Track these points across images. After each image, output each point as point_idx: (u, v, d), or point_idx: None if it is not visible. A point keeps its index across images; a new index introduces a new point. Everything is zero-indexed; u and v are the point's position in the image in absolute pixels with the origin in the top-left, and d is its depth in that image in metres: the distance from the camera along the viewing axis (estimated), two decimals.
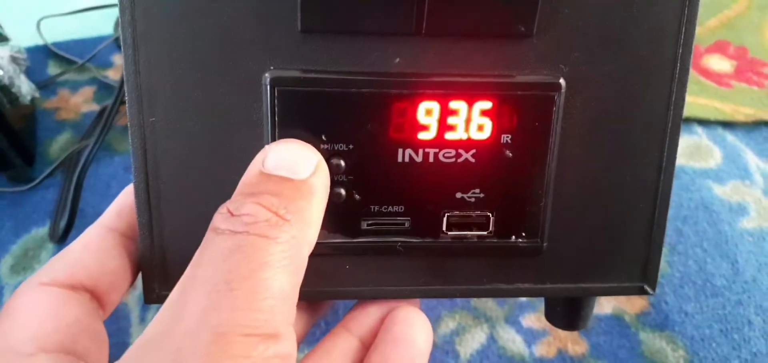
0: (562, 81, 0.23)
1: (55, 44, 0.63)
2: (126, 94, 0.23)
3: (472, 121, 0.23)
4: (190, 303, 0.18)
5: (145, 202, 0.24)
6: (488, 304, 0.46)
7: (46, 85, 0.60)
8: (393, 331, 0.25)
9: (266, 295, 0.18)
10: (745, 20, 0.68)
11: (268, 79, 0.22)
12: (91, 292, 0.23)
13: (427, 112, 0.23)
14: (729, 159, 0.55)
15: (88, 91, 0.60)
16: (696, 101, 0.59)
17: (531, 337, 0.44)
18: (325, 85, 0.23)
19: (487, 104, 0.23)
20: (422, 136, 0.23)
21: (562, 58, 0.23)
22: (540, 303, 0.43)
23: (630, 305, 0.46)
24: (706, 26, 0.67)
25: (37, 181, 0.51)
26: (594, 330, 0.44)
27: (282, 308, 0.19)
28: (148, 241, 0.24)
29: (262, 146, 0.23)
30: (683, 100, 0.25)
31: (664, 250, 0.49)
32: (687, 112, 0.57)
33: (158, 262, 0.24)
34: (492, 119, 0.23)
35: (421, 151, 0.24)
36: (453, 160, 0.24)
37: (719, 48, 0.65)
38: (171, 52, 0.22)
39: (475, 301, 0.46)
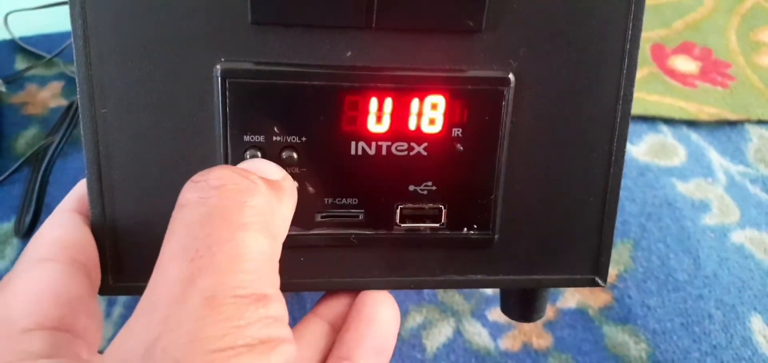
0: (511, 76, 0.24)
1: (23, 39, 0.62)
2: (77, 86, 0.23)
3: (424, 115, 0.24)
4: (173, 272, 0.18)
5: (98, 193, 0.24)
6: (455, 299, 0.46)
7: (13, 80, 0.59)
8: (364, 312, 0.26)
9: (249, 257, 0.18)
10: (710, 22, 0.69)
11: (219, 72, 0.23)
12: (86, 268, 0.22)
13: (379, 106, 0.24)
14: (693, 157, 0.56)
15: (56, 86, 0.59)
16: (662, 101, 0.60)
17: (496, 330, 0.44)
18: (276, 78, 0.23)
19: (437, 98, 0.24)
20: (374, 129, 0.24)
21: (511, 53, 0.24)
22: None
23: (594, 299, 0.46)
24: (672, 28, 0.69)
25: (3, 176, 0.50)
26: (558, 324, 0.45)
27: (266, 269, 0.19)
28: (101, 233, 0.24)
29: (215, 139, 0.23)
30: (632, 94, 0.25)
31: (628, 246, 0.50)
32: (653, 111, 0.59)
33: (112, 254, 0.24)
34: (443, 113, 0.24)
35: (373, 144, 0.24)
36: (405, 153, 0.24)
37: (685, 49, 0.66)
38: (122, 45, 0.22)
39: (441, 295, 0.46)
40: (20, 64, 0.61)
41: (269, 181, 0.21)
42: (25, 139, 0.54)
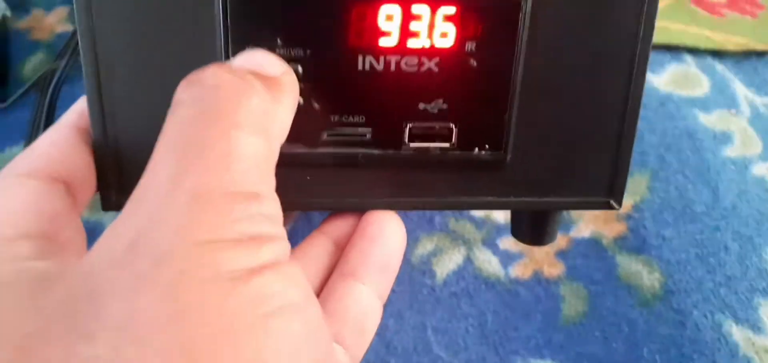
0: None
1: None
2: None
3: (436, 28, 0.23)
4: (162, 170, 0.17)
5: (99, 109, 0.23)
6: (466, 227, 0.46)
7: (19, 5, 0.58)
8: (369, 230, 0.25)
9: (241, 157, 0.18)
10: None
11: None
12: (67, 186, 0.22)
13: (389, 18, 0.22)
14: (717, 88, 0.54)
15: (62, 11, 0.58)
16: (687, 30, 0.58)
17: (507, 258, 0.44)
18: None
19: (451, 10, 0.22)
20: (383, 42, 0.23)
21: None
22: None
23: (608, 229, 0.46)
24: None
25: (10, 100, 0.50)
26: (570, 252, 0.45)
27: (260, 169, 0.18)
28: (103, 148, 0.23)
29: (217, 50, 0.23)
30: (655, 10, 0.24)
31: (646, 177, 0.49)
32: (677, 40, 0.57)
33: (114, 170, 0.24)
34: (456, 26, 0.23)
35: (382, 59, 0.23)
36: (415, 69, 0.23)
37: None
38: None
39: (452, 224, 0.46)
40: None
41: (268, 79, 0.20)
42: (32, 65, 0.54)
